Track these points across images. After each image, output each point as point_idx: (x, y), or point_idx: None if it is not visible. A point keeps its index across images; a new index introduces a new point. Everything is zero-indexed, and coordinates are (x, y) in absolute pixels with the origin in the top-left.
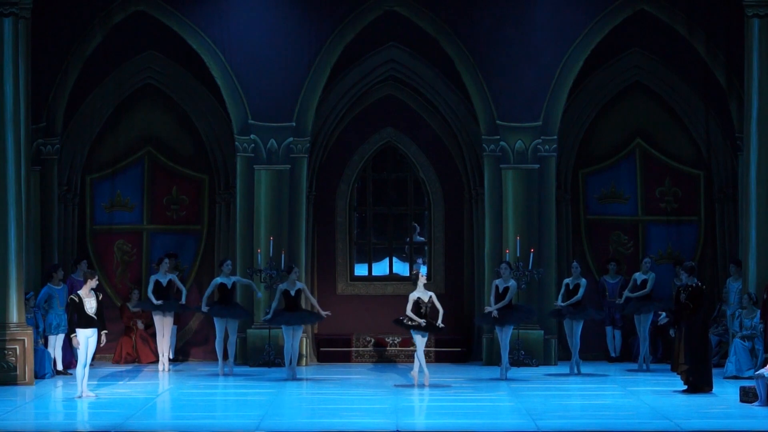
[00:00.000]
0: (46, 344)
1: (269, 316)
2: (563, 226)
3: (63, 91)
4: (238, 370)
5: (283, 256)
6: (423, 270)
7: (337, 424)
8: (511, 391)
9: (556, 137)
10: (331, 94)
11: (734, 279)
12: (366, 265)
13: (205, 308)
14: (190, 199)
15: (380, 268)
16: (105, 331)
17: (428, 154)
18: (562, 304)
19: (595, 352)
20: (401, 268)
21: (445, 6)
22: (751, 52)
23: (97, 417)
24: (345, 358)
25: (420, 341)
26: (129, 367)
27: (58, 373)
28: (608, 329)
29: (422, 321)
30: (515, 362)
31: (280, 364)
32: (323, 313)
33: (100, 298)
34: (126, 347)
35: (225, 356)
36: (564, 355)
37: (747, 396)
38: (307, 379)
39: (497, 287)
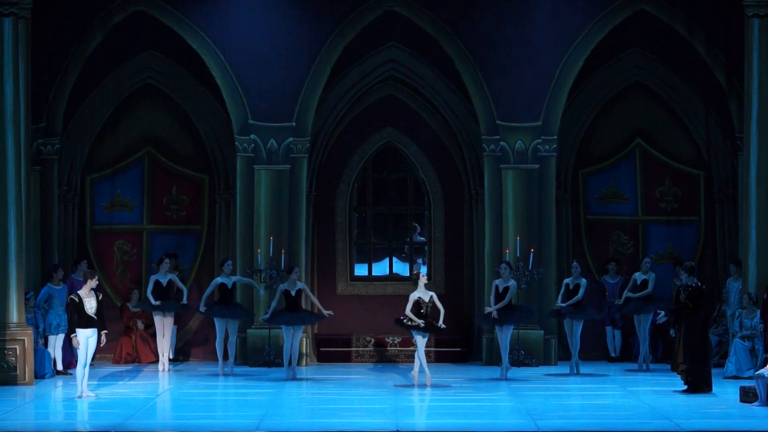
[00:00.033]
0: (46, 344)
1: (267, 316)
2: (563, 226)
3: (63, 91)
4: (238, 370)
5: (283, 256)
6: (423, 270)
7: (337, 424)
8: (511, 391)
9: (556, 137)
10: (331, 94)
11: (734, 279)
12: (366, 265)
13: (203, 308)
14: (190, 199)
15: (380, 268)
16: (105, 331)
17: (428, 154)
18: (562, 304)
19: (595, 352)
20: (401, 268)
21: (445, 6)
22: (751, 52)
23: (97, 417)
24: (345, 358)
25: (420, 341)
26: (129, 367)
27: (58, 373)
28: (608, 329)
29: (421, 321)
30: (515, 362)
31: (280, 364)
32: (325, 312)
33: (100, 298)
34: (126, 347)
35: (225, 356)
36: (564, 355)
37: (747, 396)
38: (307, 379)
39: (497, 287)
